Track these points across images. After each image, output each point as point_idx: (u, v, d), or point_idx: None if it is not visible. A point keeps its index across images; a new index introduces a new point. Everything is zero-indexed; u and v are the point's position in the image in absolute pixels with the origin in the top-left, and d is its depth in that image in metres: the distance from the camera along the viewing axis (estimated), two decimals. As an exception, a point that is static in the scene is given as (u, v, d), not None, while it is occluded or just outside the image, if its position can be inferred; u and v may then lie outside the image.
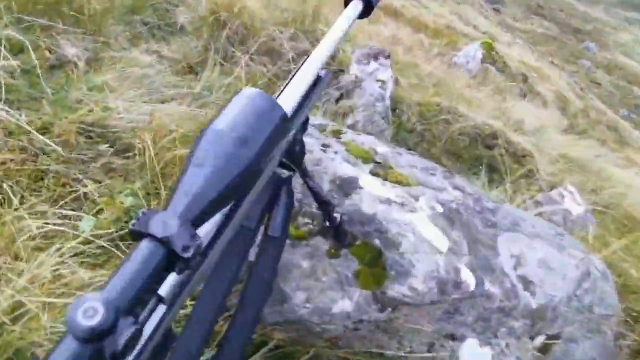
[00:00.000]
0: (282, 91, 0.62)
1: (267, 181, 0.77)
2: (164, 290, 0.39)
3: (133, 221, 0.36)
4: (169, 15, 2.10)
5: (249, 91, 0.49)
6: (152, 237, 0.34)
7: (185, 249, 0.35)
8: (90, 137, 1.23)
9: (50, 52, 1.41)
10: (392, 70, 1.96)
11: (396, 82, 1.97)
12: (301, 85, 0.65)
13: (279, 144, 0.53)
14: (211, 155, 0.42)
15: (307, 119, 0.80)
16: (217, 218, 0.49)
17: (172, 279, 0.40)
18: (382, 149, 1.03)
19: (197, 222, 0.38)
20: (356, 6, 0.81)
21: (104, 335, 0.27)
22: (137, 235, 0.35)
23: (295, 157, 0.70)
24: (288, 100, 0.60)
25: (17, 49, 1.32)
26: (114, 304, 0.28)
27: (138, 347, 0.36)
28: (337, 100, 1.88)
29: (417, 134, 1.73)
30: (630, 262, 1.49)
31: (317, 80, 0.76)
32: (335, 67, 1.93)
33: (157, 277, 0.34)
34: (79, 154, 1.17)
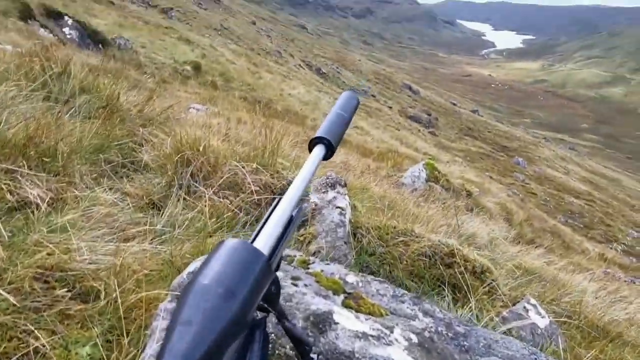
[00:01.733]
0: (257, 234, 0.66)
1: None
2: None
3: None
4: (134, 153, 2.19)
5: (230, 242, 0.52)
6: None
7: None
8: (48, 282, 1.17)
9: (11, 194, 1.40)
10: (348, 197, 2.07)
11: (353, 207, 2.08)
12: (277, 228, 0.69)
13: (263, 290, 0.54)
14: (199, 312, 0.43)
15: (281, 258, 0.83)
16: None
17: None
18: (352, 278, 1.05)
19: None
20: (320, 150, 0.91)
21: None
22: None
23: (271, 298, 0.71)
24: (266, 244, 0.63)
25: (-24, 196, 1.31)
26: None
27: None
28: (299, 228, 1.93)
29: (379, 257, 1.78)
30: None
31: (290, 220, 0.81)
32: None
33: None
34: (33, 302, 1.10)
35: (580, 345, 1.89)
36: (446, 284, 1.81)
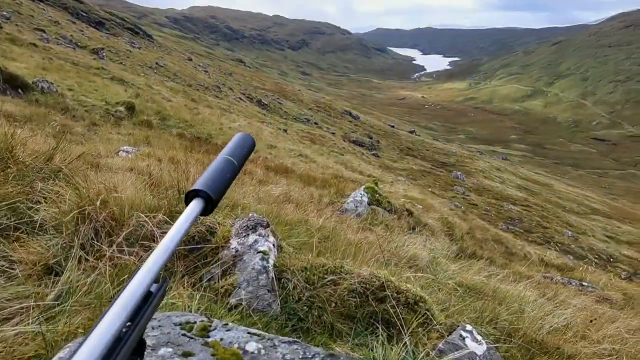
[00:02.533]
0: (89, 336, 0.52)
1: None
2: None
3: None
4: (29, 213, 1.94)
5: None
6: None
7: None
8: None
9: None
10: (273, 237, 1.96)
11: (279, 249, 1.96)
12: (116, 321, 0.55)
13: None
14: None
15: (142, 343, 0.69)
16: None
17: None
18: (252, 346, 0.92)
19: None
20: (197, 205, 0.79)
21: None
22: None
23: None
24: (92, 349, 0.50)
25: None
26: None
27: None
28: (221, 278, 1.78)
29: (306, 302, 1.66)
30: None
31: (148, 296, 0.67)
32: (214, 243, 1.87)
33: None
34: None
35: (519, 366, 1.86)
36: (379, 321, 1.72)
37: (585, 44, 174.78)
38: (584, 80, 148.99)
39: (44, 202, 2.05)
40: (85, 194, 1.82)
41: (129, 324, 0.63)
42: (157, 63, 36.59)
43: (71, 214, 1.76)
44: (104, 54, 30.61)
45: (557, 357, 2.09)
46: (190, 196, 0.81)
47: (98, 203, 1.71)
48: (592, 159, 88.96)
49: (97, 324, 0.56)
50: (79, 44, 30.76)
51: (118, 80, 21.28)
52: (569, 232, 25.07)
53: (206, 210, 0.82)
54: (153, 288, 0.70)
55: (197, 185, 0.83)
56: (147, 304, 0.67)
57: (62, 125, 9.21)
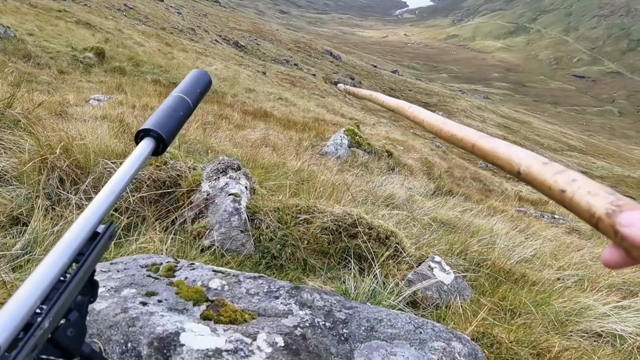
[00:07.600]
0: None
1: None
2: None
3: None
4: (-11, 164, 1.87)
5: None
6: None
7: None
8: None
9: None
10: (246, 180, 1.94)
11: (253, 191, 1.96)
12: (59, 262, 0.54)
13: None
14: None
15: (94, 284, 0.68)
16: None
17: None
18: (216, 282, 0.93)
19: None
20: (147, 145, 0.75)
21: None
22: None
23: (66, 345, 0.56)
24: (27, 296, 0.48)
25: None
26: None
27: None
28: (193, 221, 1.78)
29: (279, 240, 1.69)
30: (501, 327, 1.53)
31: (94, 237, 0.66)
32: (185, 187, 1.85)
33: None
34: None
35: (485, 293, 1.96)
36: (351, 256, 1.77)
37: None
38: (568, 15, 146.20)
39: (3, 152, 1.97)
40: (45, 143, 1.75)
41: (75, 265, 0.62)
42: (125, 5, 34.28)
43: (31, 163, 1.70)
44: (65, -6, 28.39)
45: (522, 283, 2.21)
46: (140, 136, 0.77)
47: (58, 151, 1.65)
48: (571, 95, 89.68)
49: (38, 265, 0.55)
50: (35, -17, 28.39)
51: (84, 24, 19.98)
52: (545, 169, 25.76)
53: (157, 151, 0.79)
54: (100, 229, 0.68)
55: (147, 124, 0.79)
56: (93, 244, 0.66)
57: (26, 73, 8.71)
